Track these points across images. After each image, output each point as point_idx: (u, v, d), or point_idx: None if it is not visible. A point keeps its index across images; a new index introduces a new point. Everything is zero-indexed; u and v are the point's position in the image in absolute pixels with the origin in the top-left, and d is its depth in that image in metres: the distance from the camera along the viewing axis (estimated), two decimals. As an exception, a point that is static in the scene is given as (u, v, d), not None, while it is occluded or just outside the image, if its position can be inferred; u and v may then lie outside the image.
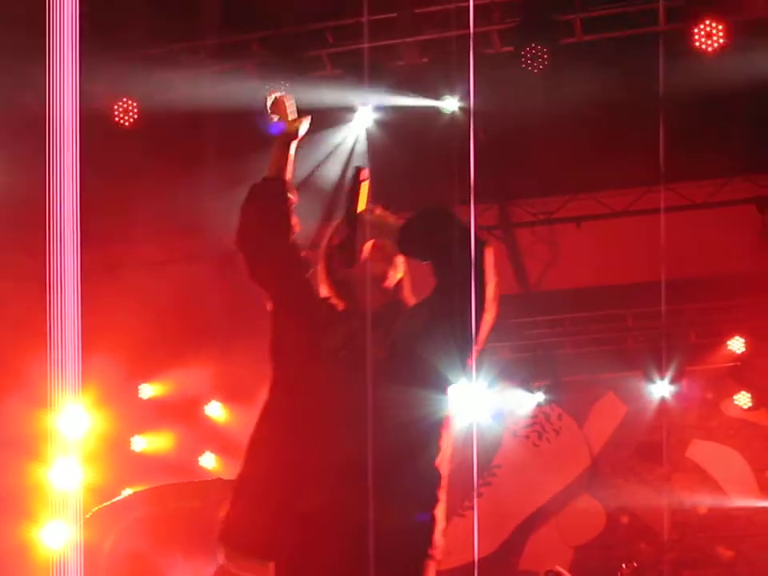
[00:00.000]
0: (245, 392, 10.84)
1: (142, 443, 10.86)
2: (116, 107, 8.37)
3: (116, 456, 10.38)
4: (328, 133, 8.87)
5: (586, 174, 9.17)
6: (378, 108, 8.58)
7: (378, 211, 3.74)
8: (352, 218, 3.63)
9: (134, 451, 10.81)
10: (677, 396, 10.48)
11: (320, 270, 3.78)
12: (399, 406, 3.55)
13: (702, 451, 10.47)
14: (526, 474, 11.44)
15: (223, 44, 8.41)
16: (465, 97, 8.29)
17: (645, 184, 9.19)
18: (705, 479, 10.40)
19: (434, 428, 3.62)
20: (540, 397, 10.74)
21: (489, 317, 3.56)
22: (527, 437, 11.50)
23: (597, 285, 10.09)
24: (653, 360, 10.13)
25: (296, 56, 8.12)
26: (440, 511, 3.58)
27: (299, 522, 3.59)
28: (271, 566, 3.65)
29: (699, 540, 10.51)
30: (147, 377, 10.71)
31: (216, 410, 11.00)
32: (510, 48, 8.05)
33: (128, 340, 9.31)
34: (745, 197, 9.33)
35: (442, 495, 3.59)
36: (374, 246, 3.68)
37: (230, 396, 10.87)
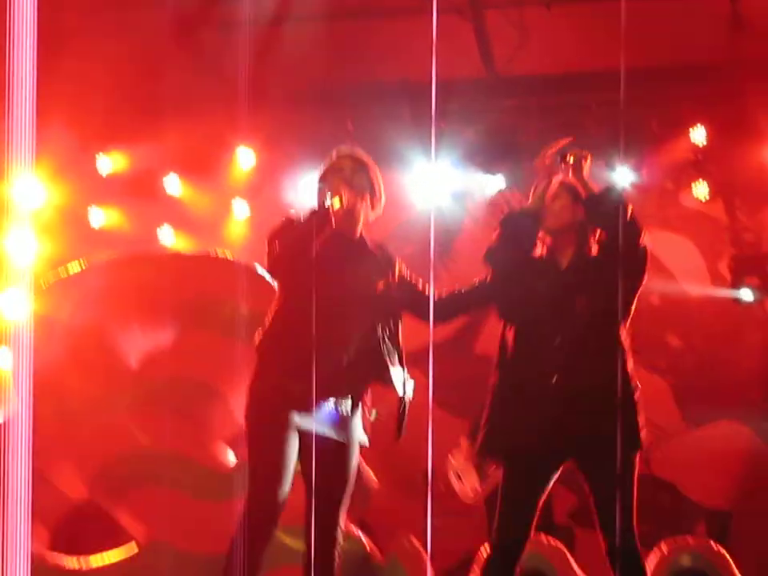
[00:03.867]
0: (203, 165, 10.79)
1: (99, 216, 10.78)
2: None
3: (72, 228, 10.33)
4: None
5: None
6: None
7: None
8: None
9: (90, 224, 10.73)
10: (636, 185, 10.48)
11: None
12: None
13: (657, 241, 10.50)
14: (485, 259, 11.48)
15: None
16: None
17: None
18: (659, 269, 10.48)
19: None
20: (502, 182, 10.64)
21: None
22: (488, 222, 11.50)
23: (564, 71, 9.95)
24: (614, 148, 10.07)
25: None
26: None
27: None
28: None
29: (650, 328, 10.66)
30: (104, 148, 10.56)
31: (174, 184, 10.89)
32: None
33: (84, 109, 9.14)
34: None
35: None
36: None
37: (188, 169, 10.77)
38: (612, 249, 5.04)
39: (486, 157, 10.43)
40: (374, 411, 8.70)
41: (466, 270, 11.36)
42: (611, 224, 5.04)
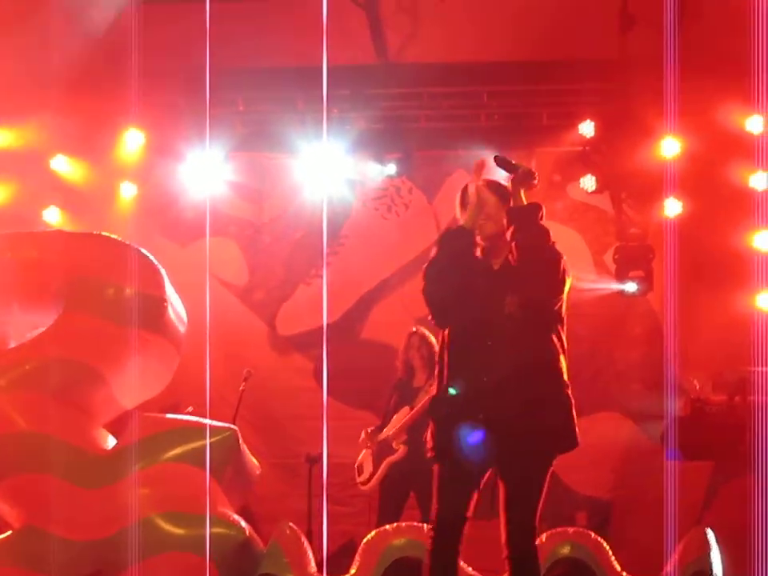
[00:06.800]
0: (91, 145, 10.62)
1: (-18, 194, 10.55)
2: None
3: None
4: None
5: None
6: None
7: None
8: None
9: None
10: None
11: None
12: None
13: (544, 232, 10.63)
14: (373, 245, 11.52)
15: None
16: None
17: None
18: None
19: None
20: (392, 169, 10.66)
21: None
22: (376, 209, 11.54)
23: (455, 60, 9.99)
24: (503, 138, 10.14)
25: None
26: None
27: None
28: None
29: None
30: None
31: (62, 164, 10.72)
32: None
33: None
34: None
35: None
36: None
37: (76, 149, 10.60)
38: (525, 257, 5.29)
39: (377, 143, 10.44)
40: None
41: (354, 254, 11.51)
42: (523, 236, 5.32)
